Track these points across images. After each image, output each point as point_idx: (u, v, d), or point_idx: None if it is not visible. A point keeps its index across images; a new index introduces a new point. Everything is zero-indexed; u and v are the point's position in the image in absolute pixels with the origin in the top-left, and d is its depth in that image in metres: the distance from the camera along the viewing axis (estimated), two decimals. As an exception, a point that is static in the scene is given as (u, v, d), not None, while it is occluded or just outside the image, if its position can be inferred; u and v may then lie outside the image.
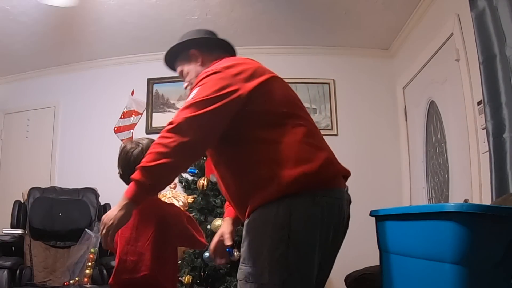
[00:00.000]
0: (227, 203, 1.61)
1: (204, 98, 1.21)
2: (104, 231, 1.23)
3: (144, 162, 1.20)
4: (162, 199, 2.41)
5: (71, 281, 2.88)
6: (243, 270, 1.23)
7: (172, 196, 2.55)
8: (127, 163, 1.55)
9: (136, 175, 1.21)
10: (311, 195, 1.22)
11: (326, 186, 1.26)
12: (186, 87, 1.54)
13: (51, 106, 4.00)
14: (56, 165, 3.87)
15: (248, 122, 1.27)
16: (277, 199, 1.20)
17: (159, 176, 1.22)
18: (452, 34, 2.55)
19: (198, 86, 1.26)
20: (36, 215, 3.16)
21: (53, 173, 3.84)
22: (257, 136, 1.26)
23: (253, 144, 1.26)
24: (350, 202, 1.38)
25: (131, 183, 1.23)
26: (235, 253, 1.61)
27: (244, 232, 1.27)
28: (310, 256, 1.21)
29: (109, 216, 1.23)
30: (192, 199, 2.72)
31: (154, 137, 1.28)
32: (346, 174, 1.37)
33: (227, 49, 1.56)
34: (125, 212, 1.23)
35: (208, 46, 1.54)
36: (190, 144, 1.20)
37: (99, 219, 3.27)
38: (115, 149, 4.26)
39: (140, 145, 1.59)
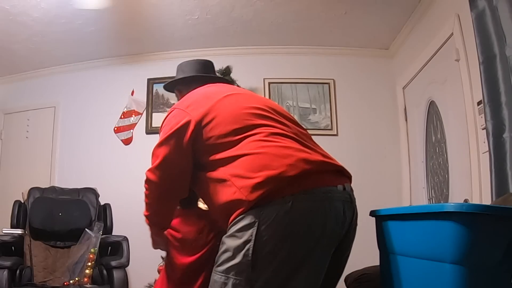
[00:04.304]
0: None
1: (161, 140, 1.35)
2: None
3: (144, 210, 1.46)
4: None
5: (71, 281, 2.88)
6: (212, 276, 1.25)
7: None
8: None
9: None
10: (281, 202, 1.17)
11: (299, 187, 1.19)
12: None
13: (51, 106, 4.00)
14: (56, 165, 3.87)
15: (207, 150, 1.32)
16: (244, 212, 1.19)
17: (153, 220, 1.47)
18: (452, 34, 2.55)
19: (161, 130, 1.42)
20: (36, 215, 3.15)
21: (53, 173, 3.84)
22: (216, 159, 1.29)
23: (214, 168, 1.30)
24: (351, 201, 1.30)
25: None
26: None
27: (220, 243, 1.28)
28: (286, 277, 1.17)
29: None
30: None
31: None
32: (336, 168, 1.31)
33: (206, 79, 1.64)
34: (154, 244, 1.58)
35: (185, 84, 1.67)
36: (164, 190, 1.37)
37: (99, 219, 3.27)
38: (115, 149, 4.28)
39: None
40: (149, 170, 1.36)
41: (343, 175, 1.35)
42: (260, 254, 1.15)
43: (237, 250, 1.17)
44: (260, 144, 1.25)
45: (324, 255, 1.24)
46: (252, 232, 1.16)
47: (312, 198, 1.20)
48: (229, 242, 1.21)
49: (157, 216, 1.45)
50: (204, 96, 1.41)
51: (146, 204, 1.43)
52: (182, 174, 1.36)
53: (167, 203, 1.42)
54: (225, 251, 1.21)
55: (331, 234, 1.23)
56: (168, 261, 1.58)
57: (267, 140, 1.26)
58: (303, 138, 1.36)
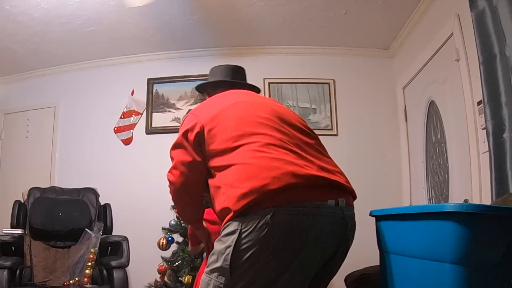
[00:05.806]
0: None
1: (174, 143, 1.46)
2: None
3: None
4: None
5: (71, 281, 2.88)
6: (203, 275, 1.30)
7: None
8: None
9: None
10: (262, 213, 1.18)
11: (282, 200, 1.19)
12: None
13: (51, 106, 4.00)
14: (56, 165, 3.87)
15: (209, 155, 1.39)
16: (231, 219, 1.24)
17: (184, 217, 1.68)
18: (452, 34, 2.55)
19: (179, 131, 1.50)
20: (36, 215, 3.15)
21: (53, 173, 3.84)
22: (215, 166, 1.36)
23: (214, 174, 1.37)
24: (343, 217, 1.27)
25: None
26: None
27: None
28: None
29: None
30: None
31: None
32: (330, 183, 1.27)
33: (232, 85, 1.74)
34: (193, 244, 1.79)
35: (212, 88, 1.77)
36: (182, 188, 1.45)
37: (99, 219, 3.28)
38: (115, 149, 4.29)
39: None
40: (168, 171, 1.46)
41: (340, 189, 1.31)
42: (238, 261, 1.19)
43: (220, 254, 1.22)
44: (253, 154, 1.28)
45: (305, 268, 1.23)
46: (233, 238, 1.20)
47: (294, 212, 1.19)
48: (216, 246, 1.26)
49: (185, 212, 1.59)
50: (214, 102, 1.51)
51: (174, 203, 1.56)
52: (195, 172, 1.42)
53: (189, 200, 1.51)
54: (213, 253, 1.27)
55: (313, 249, 1.22)
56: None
57: (260, 150, 1.28)
58: (303, 149, 1.34)
